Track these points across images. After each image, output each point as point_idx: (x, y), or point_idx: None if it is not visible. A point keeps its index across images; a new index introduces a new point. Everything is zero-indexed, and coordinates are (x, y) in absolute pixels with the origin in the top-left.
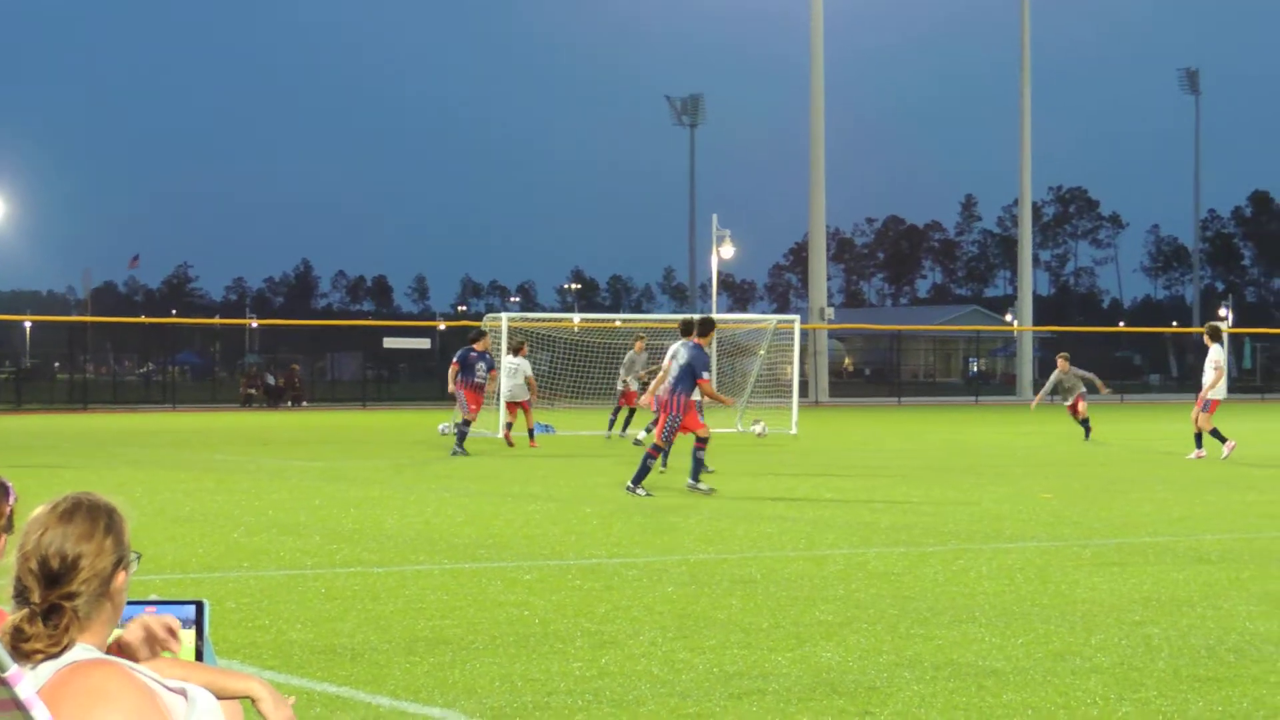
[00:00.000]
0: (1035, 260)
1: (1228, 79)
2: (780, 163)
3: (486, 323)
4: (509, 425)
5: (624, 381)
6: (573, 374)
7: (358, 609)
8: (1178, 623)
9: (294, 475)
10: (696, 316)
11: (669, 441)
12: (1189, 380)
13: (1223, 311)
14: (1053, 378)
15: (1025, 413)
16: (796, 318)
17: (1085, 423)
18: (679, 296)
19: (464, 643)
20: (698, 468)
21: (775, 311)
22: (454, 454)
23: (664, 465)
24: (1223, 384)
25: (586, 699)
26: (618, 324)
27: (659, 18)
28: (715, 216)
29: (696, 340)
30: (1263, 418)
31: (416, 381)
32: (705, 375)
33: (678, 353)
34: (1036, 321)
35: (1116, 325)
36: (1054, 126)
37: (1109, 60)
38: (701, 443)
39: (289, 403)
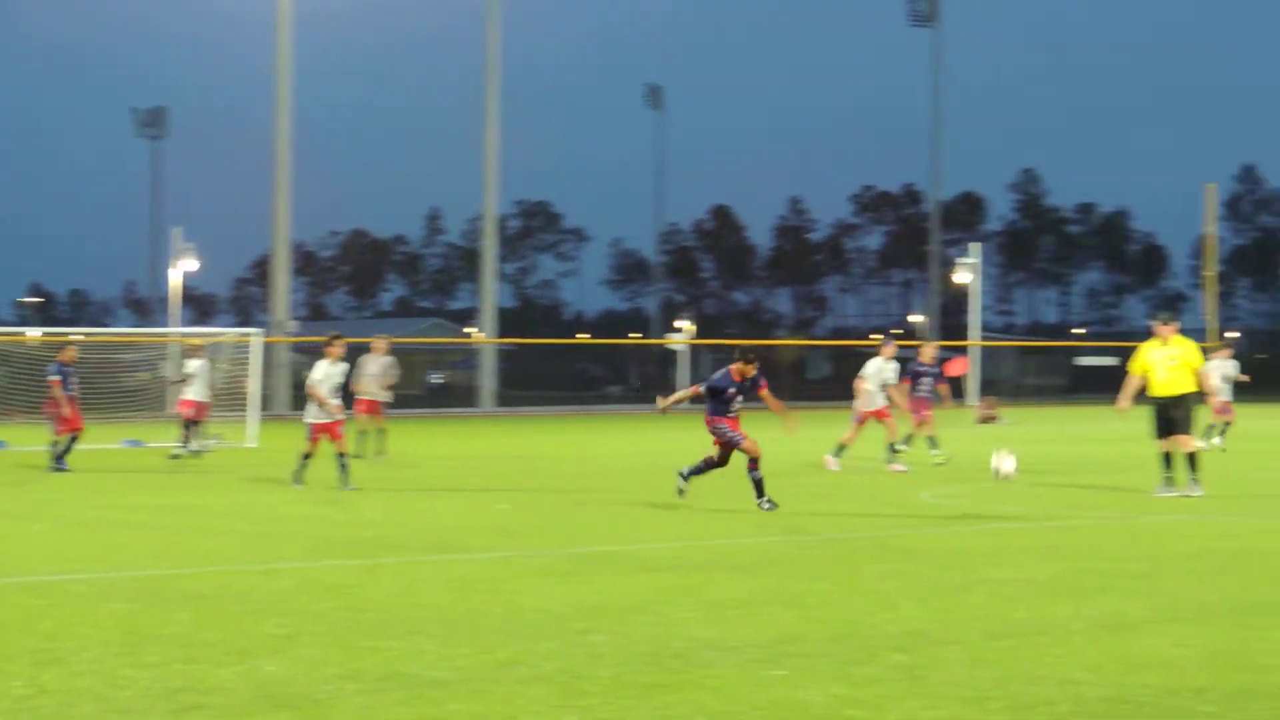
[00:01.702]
0: (499, 273)
1: (691, 95)
2: (246, 174)
3: None
4: None
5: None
6: (31, 390)
7: None
8: (624, 630)
9: None
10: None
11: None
12: (650, 390)
13: (684, 323)
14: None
15: (480, 425)
16: (258, 331)
17: (381, 433)
18: (140, 310)
19: None
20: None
21: (239, 325)
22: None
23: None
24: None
25: (24, 718)
26: (79, 338)
27: (128, 26)
28: (178, 230)
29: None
30: None
31: None
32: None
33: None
34: (501, 333)
35: (578, 337)
36: (519, 140)
37: (576, 75)
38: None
39: None
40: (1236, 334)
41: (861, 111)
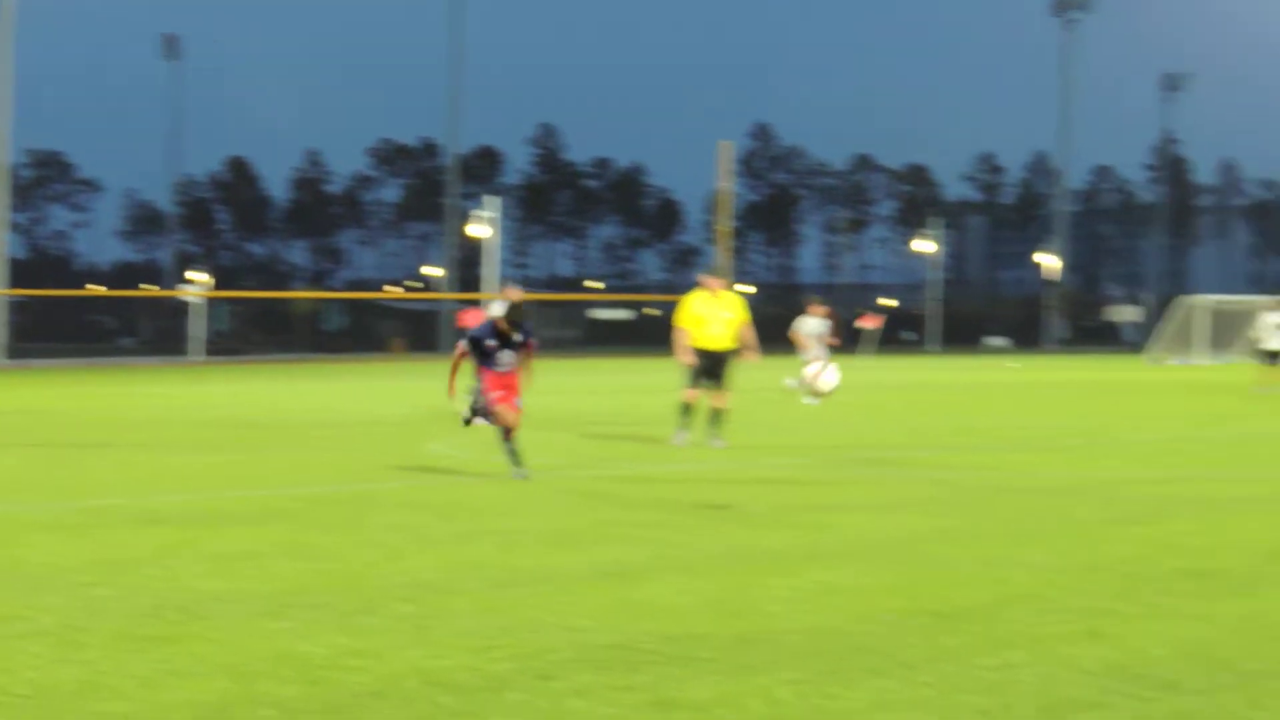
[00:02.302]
0: (9, 224)
1: (207, 46)
2: None
3: None
4: None
5: None
6: None
7: None
8: (128, 583)
9: None
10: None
11: None
12: (164, 344)
13: (199, 275)
14: None
15: None
16: None
17: None
18: None
19: None
20: None
21: None
22: None
23: None
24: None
25: None
26: None
27: None
28: None
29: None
30: (239, 379)
31: None
32: None
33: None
34: (11, 285)
35: (90, 289)
36: (33, 88)
37: (90, 22)
38: None
39: None
40: (752, 288)
41: (379, 64)
